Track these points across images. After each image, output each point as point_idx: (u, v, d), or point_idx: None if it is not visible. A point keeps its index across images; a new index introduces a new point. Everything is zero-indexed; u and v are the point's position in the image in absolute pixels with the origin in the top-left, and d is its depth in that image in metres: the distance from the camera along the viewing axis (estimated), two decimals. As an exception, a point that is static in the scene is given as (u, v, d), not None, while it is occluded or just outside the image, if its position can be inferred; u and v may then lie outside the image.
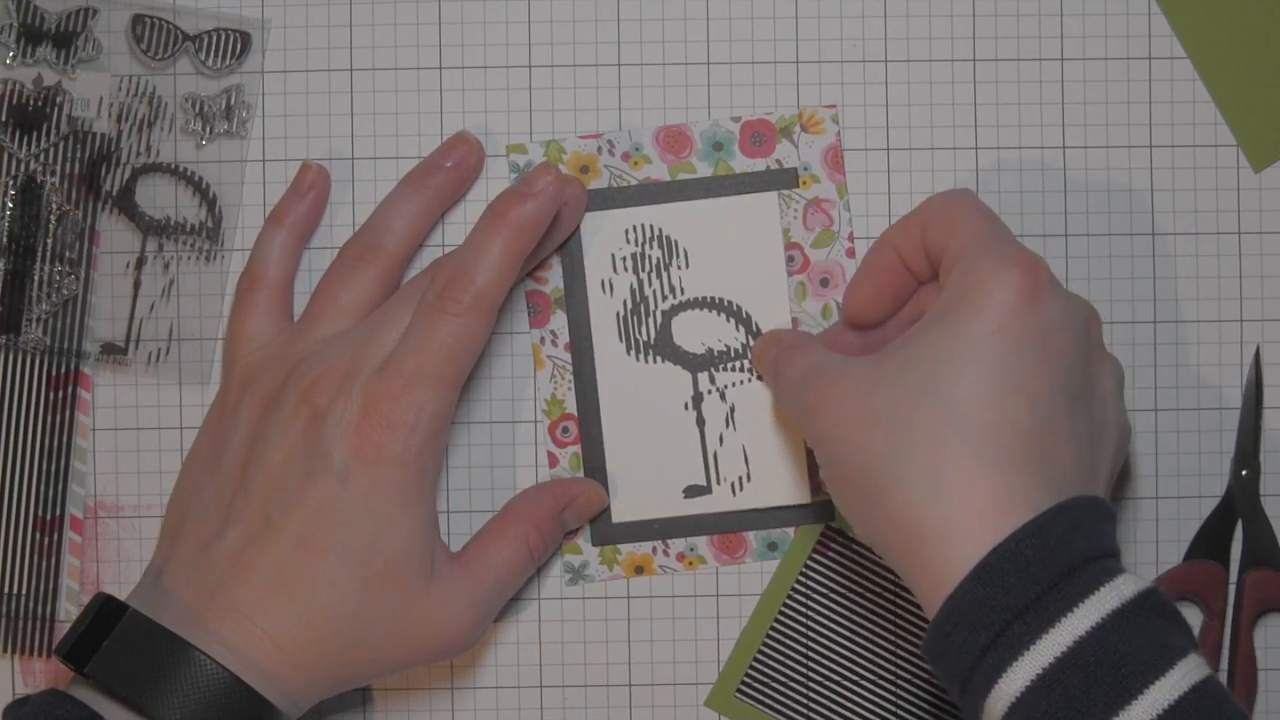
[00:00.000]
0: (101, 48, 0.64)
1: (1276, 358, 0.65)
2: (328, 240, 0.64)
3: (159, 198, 0.65)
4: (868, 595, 0.65)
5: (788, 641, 0.65)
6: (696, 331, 0.64)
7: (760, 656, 0.65)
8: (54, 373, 0.64)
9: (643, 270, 0.64)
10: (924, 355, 0.53)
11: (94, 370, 0.65)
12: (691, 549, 0.65)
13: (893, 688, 0.65)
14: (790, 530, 0.65)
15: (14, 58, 0.64)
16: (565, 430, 0.65)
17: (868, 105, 0.65)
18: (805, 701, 0.65)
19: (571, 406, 0.65)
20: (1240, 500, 0.64)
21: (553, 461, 0.65)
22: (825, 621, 0.65)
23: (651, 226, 0.64)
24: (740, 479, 0.64)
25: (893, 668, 0.65)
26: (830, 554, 0.65)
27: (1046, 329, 0.53)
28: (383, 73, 0.65)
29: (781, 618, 0.65)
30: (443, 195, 0.63)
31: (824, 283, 0.65)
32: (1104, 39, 0.65)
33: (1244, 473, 0.64)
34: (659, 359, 0.64)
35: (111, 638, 0.55)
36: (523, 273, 0.63)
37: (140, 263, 0.65)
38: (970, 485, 0.50)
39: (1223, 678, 0.65)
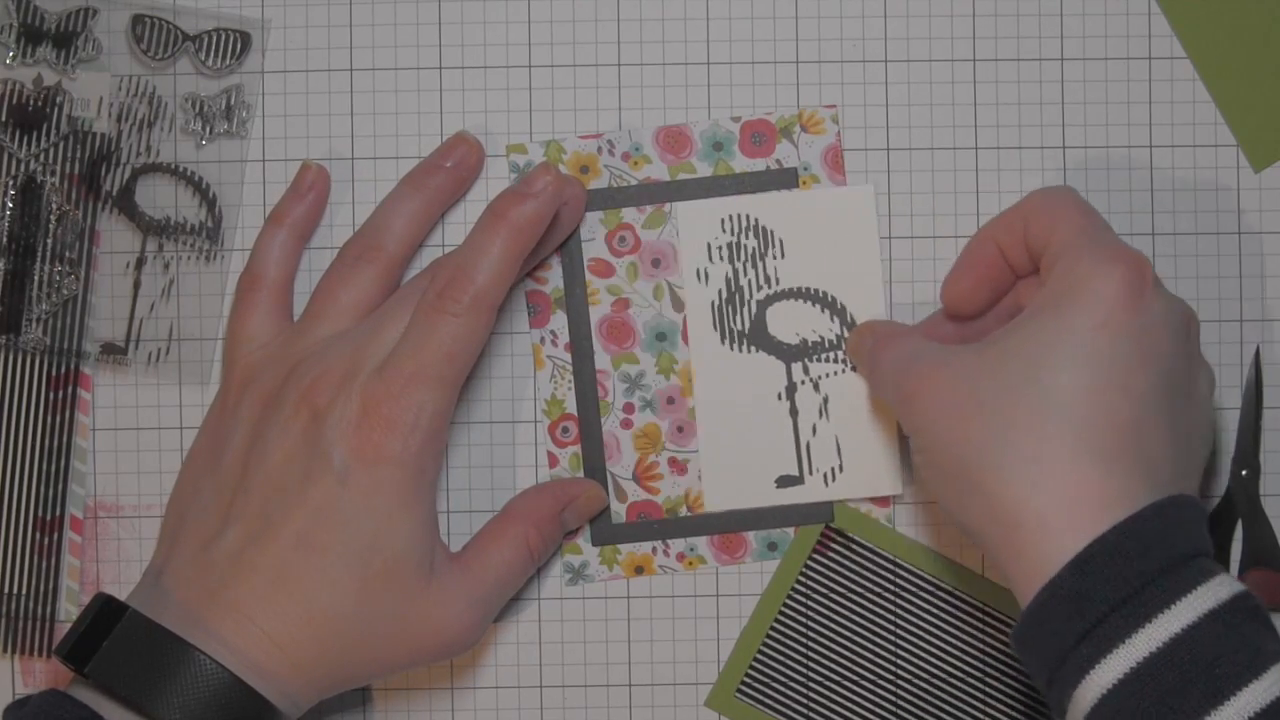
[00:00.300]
0: (101, 48, 0.64)
1: (1276, 358, 0.65)
2: (328, 240, 0.65)
3: (159, 198, 0.65)
4: (868, 595, 0.65)
5: (788, 641, 0.65)
6: (791, 322, 0.64)
7: (760, 656, 0.65)
8: (54, 373, 0.64)
9: (738, 260, 0.64)
10: (1025, 347, 0.53)
11: (94, 370, 0.65)
12: (691, 549, 0.65)
13: (893, 688, 0.65)
14: (790, 530, 0.65)
15: (14, 58, 0.64)
16: (565, 430, 0.65)
17: (868, 105, 0.65)
18: (805, 701, 0.65)
19: (571, 406, 0.65)
20: (1240, 500, 0.64)
21: (553, 461, 0.65)
22: (825, 621, 0.65)
23: (747, 216, 0.64)
24: (833, 469, 0.64)
25: (893, 668, 0.65)
26: (830, 554, 0.65)
27: (1149, 326, 0.53)
28: (383, 73, 0.65)
29: (781, 618, 0.65)
30: (443, 195, 0.63)
31: (824, 283, 0.65)
32: (1104, 39, 0.65)
33: (1244, 473, 0.64)
34: (753, 349, 0.64)
35: (111, 638, 0.55)
36: (522, 272, 0.63)
37: (140, 263, 0.65)
38: (1069, 477, 0.51)
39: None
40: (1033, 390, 0.52)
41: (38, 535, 0.64)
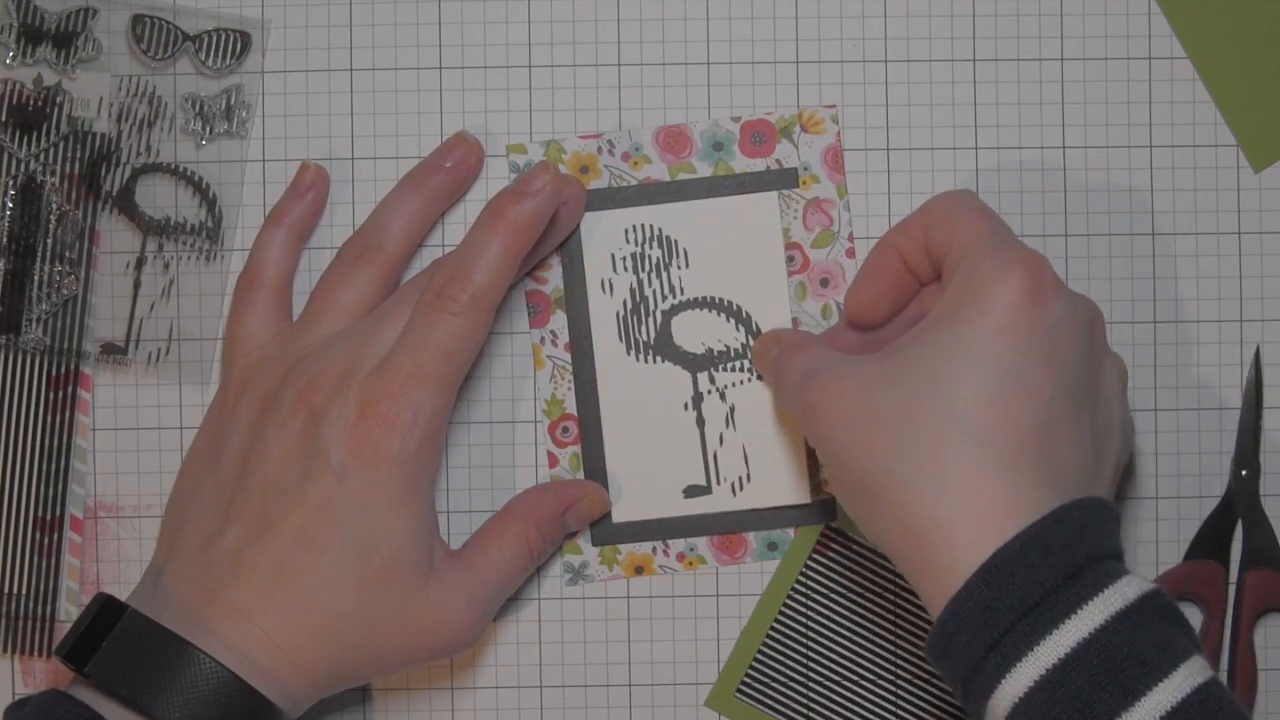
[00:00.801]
0: (101, 48, 0.64)
1: (1276, 358, 0.65)
2: (328, 240, 0.64)
3: (159, 198, 0.65)
4: (868, 595, 0.65)
5: (788, 641, 0.65)
6: (696, 331, 0.64)
7: (760, 656, 0.65)
8: (54, 373, 0.64)
9: (643, 270, 0.64)
10: (927, 355, 0.53)
11: (94, 370, 0.65)
12: (691, 549, 0.65)
13: (893, 688, 0.65)
14: (790, 530, 0.65)
15: (14, 58, 0.64)
16: (565, 430, 0.65)
17: (868, 105, 0.65)
18: (805, 701, 0.65)
19: (571, 406, 0.65)
20: (1240, 500, 0.64)
21: (553, 461, 0.65)
22: (825, 621, 0.65)
23: (651, 226, 0.64)
24: (740, 479, 0.64)
25: (893, 668, 0.65)
26: (830, 554, 0.65)
27: (1050, 329, 0.53)
28: (383, 73, 0.65)
29: (781, 618, 0.65)
30: (442, 195, 0.63)
31: (824, 283, 0.65)
32: (1104, 39, 0.65)
33: (1244, 473, 0.64)
34: (659, 359, 0.64)
35: (111, 638, 0.55)
36: (521, 272, 0.63)
37: (140, 263, 0.65)
38: (973, 486, 0.50)
39: (1223, 677, 0.65)
40: (934, 400, 0.52)
41: (38, 535, 0.64)
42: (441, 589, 0.59)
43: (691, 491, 0.64)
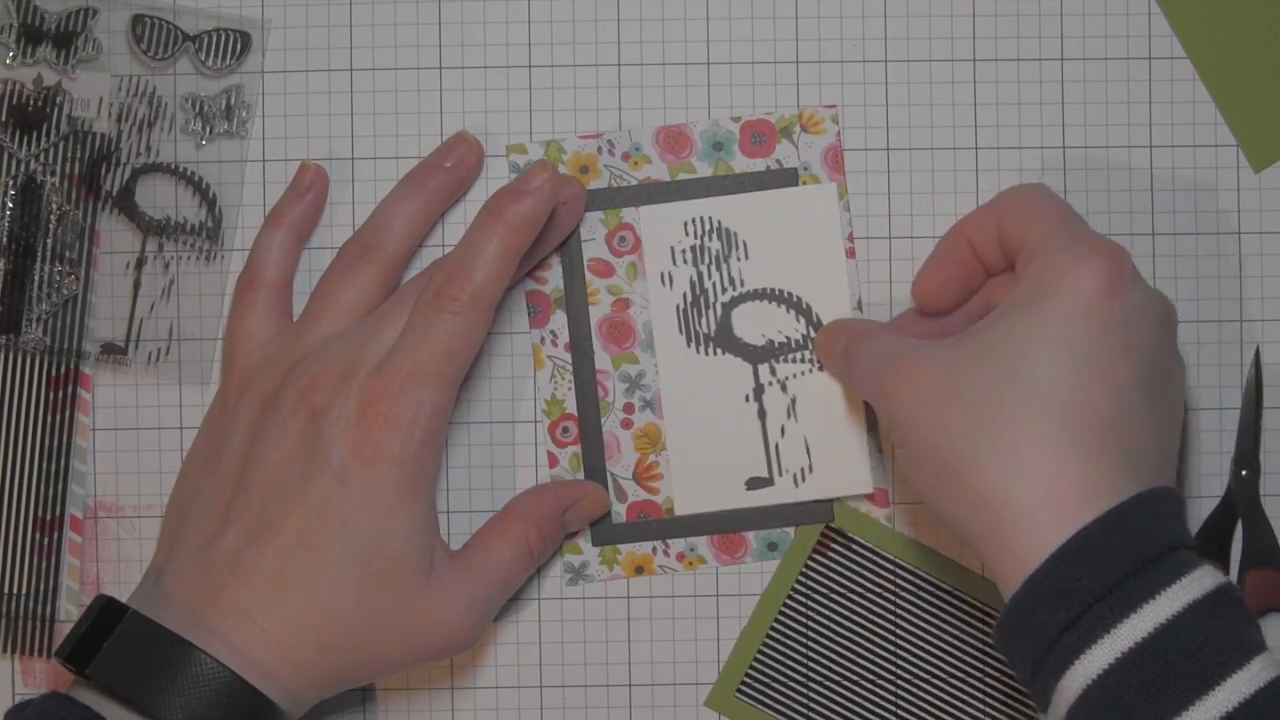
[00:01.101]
0: (101, 48, 0.64)
1: (1276, 358, 0.65)
2: (328, 240, 0.64)
3: (159, 198, 0.65)
4: (868, 595, 0.65)
5: (788, 641, 0.65)
6: (757, 323, 0.64)
7: (760, 656, 0.65)
8: (54, 373, 0.64)
9: (702, 262, 0.64)
10: (1005, 340, 0.53)
11: (94, 370, 0.65)
12: (691, 549, 0.65)
13: (893, 688, 0.65)
14: (790, 530, 0.65)
15: (14, 58, 0.64)
16: (565, 430, 0.65)
17: (868, 105, 0.65)
18: (805, 701, 0.65)
19: (571, 406, 0.65)
20: (1240, 500, 0.64)
21: (553, 461, 0.65)
22: (825, 621, 0.65)
23: (710, 219, 0.64)
24: (802, 470, 0.64)
25: (893, 668, 0.65)
26: (830, 554, 0.65)
27: (1129, 317, 0.53)
28: (383, 73, 0.65)
29: (781, 618, 0.65)
30: (442, 195, 0.63)
31: (824, 283, 0.65)
32: (1104, 39, 0.65)
33: (1244, 473, 0.64)
34: (720, 351, 0.64)
35: (112, 639, 0.55)
36: (521, 271, 0.63)
37: (140, 263, 0.65)
38: (1052, 468, 0.51)
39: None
40: (1014, 383, 0.52)
41: (38, 535, 0.64)
42: (442, 589, 0.59)
43: (754, 484, 0.64)
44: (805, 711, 0.65)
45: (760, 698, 0.65)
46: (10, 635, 0.64)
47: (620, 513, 0.65)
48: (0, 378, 0.64)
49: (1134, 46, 0.65)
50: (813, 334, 0.63)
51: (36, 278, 0.64)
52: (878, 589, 0.65)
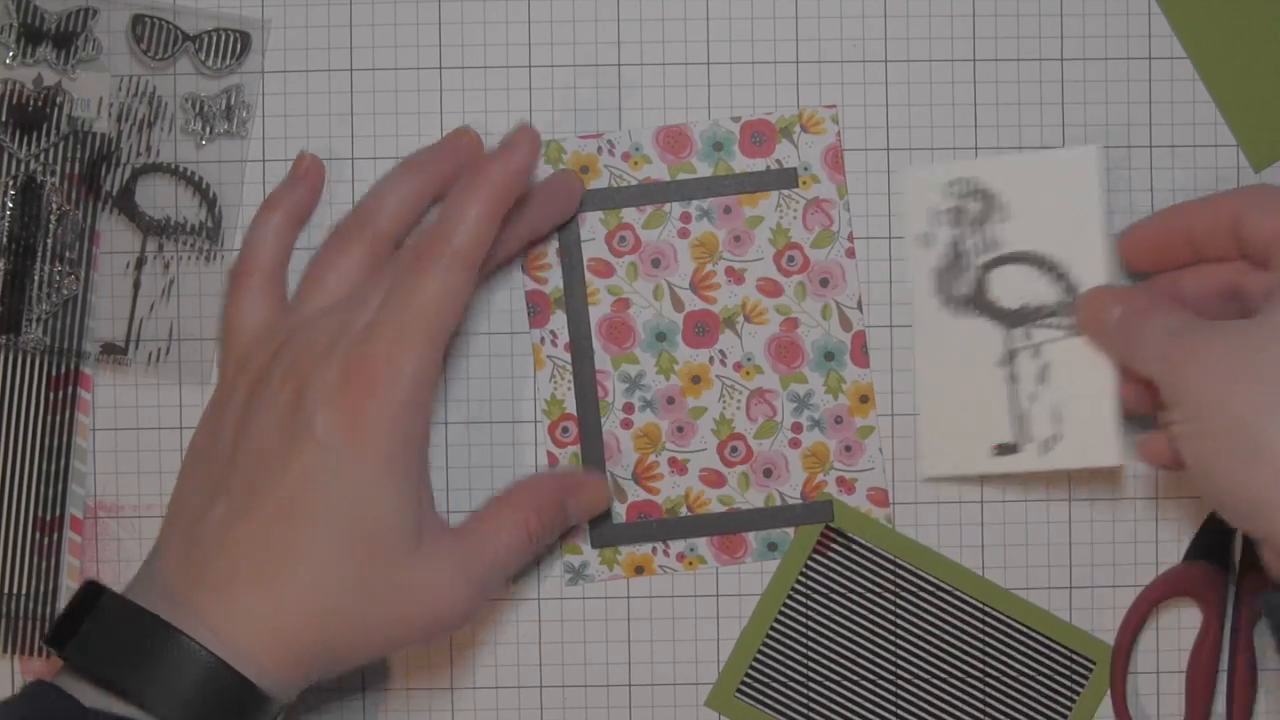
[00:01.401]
0: (101, 48, 0.64)
1: (1276, 358, 0.65)
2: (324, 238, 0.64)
3: (159, 198, 0.65)
4: (868, 595, 0.65)
5: (788, 642, 0.65)
6: (1013, 286, 0.63)
7: (760, 657, 0.65)
8: (54, 373, 0.64)
9: (961, 224, 0.64)
10: None
11: (94, 370, 0.65)
12: (691, 549, 0.65)
13: (893, 688, 0.65)
14: (790, 530, 0.65)
15: (14, 58, 0.64)
16: (565, 430, 0.65)
17: (868, 105, 0.65)
18: (805, 701, 0.65)
19: (571, 406, 0.65)
20: (1240, 500, 0.64)
21: (552, 461, 0.65)
22: (825, 621, 0.65)
23: (971, 180, 0.64)
24: (1051, 438, 0.63)
25: (893, 668, 0.65)
26: (830, 554, 0.65)
27: None
28: (383, 73, 0.65)
29: (781, 618, 0.65)
30: (439, 179, 0.63)
31: (824, 283, 0.65)
32: (1104, 39, 0.65)
33: (1244, 473, 0.64)
34: (975, 313, 0.64)
35: (89, 620, 0.55)
36: (519, 250, 0.63)
37: (140, 263, 0.65)
38: None
39: (1223, 678, 0.65)
40: None
41: (38, 535, 0.64)
42: (433, 559, 0.58)
43: (1002, 450, 0.64)
44: (805, 712, 0.65)
45: (760, 698, 0.65)
46: (10, 635, 0.64)
47: (620, 513, 0.65)
48: (0, 378, 0.64)
49: (1134, 46, 0.65)
50: (1069, 299, 0.62)
51: (36, 278, 0.64)
52: (878, 589, 0.65)
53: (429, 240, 0.57)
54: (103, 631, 0.55)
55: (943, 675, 0.65)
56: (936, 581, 0.65)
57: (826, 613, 0.65)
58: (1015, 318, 0.63)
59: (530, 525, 0.61)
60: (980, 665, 0.65)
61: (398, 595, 0.57)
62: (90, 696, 0.54)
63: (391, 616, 0.57)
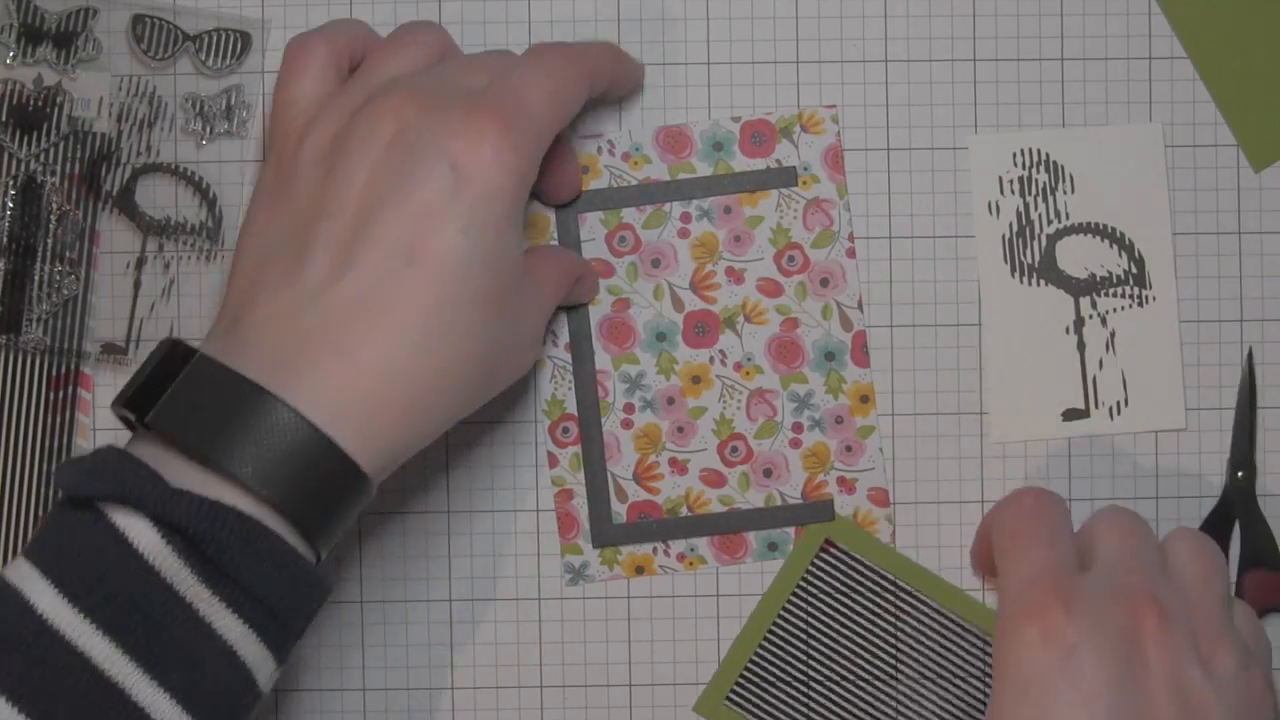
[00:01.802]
0: (101, 48, 0.64)
1: (1276, 358, 0.65)
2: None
3: (159, 198, 0.65)
4: (865, 604, 0.65)
5: (782, 650, 0.65)
6: (1080, 256, 0.64)
7: (753, 664, 0.65)
8: (54, 373, 0.65)
9: (1029, 193, 0.64)
10: None
11: (94, 370, 0.65)
12: (691, 549, 0.65)
13: (892, 700, 0.65)
14: (790, 530, 0.65)
15: (14, 58, 0.64)
16: (565, 430, 0.65)
17: (868, 105, 0.65)
18: (798, 711, 0.65)
19: (571, 406, 0.65)
20: (1236, 502, 0.64)
21: (553, 461, 0.65)
22: (821, 630, 0.65)
23: (1038, 150, 0.64)
24: (1119, 403, 0.65)
25: (890, 679, 0.65)
26: (828, 562, 0.65)
27: None
28: (383, 73, 0.64)
29: (776, 627, 0.65)
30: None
31: (824, 283, 0.65)
32: (1104, 39, 0.65)
33: (1239, 474, 0.64)
34: (1042, 282, 0.64)
35: (178, 383, 0.49)
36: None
37: (140, 263, 0.65)
38: None
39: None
40: None
41: (38, 535, 0.65)
42: (525, 317, 0.55)
43: (1070, 415, 0.65)
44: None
45: (750, 705, 0.65)
46: (11, 635, 0.65)
47: (620, 513, 0.65)
48: (0, 378, 0.64)
49: (1134, 46, 0.65)
50: (1134, 270, 0.64)
51: (36, 278, 0.64)
52: (875, 602, 0.65)
53: (536, 47, 0.55)
54: (191, 397, 0.49)
55: (939, 693, 0.65)
56: (935, 605, 0.65)
57: (822, 622, 0.65)
58: (1083, 287, 0.64)
59: (562, 274, 0.59)
60: (980, 688, 0.65)
61: (494, 352, 0.53)
62: (169, 466, 0.49)
63: (489, 369, 0.53)
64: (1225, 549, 0.64)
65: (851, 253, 0.65)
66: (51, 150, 0.64)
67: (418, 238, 0.50)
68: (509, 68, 0.54)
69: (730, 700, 0.65)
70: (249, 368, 0.50)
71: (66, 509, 0.50)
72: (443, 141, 0.50)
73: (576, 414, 0.65)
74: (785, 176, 0.65)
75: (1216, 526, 0.64)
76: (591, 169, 0.65)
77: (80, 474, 0.49)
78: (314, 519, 0.50)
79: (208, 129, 0.64)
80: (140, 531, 0.48)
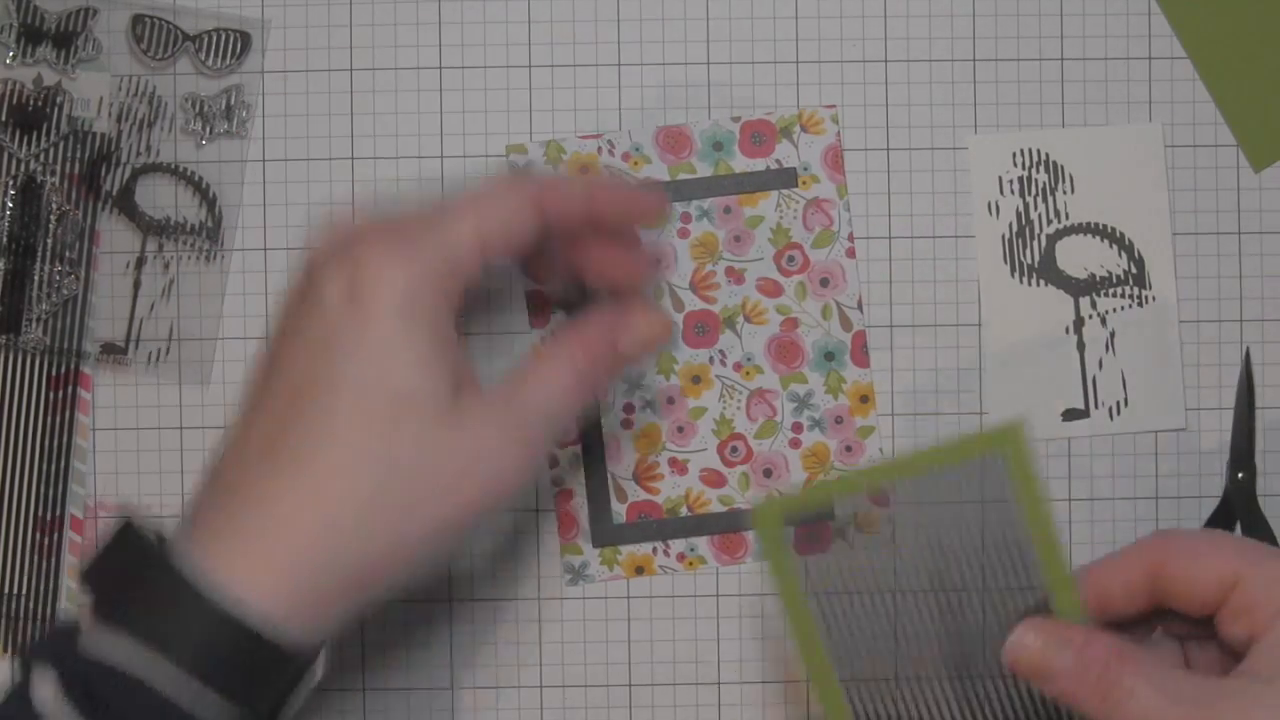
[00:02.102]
0: (101, 48, 0.64)
1: (1276, 358, 0.65)
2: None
3: (159, 198, 0.65)
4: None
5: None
6: (1080, 256, 0.65)
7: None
8: (54, 373, 0.65)
9: (1029, 193, 0.64)
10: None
11: (94, 370, 0.65)
12: (691, 549, 0.65)
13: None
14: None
15: (14, 58, 0.64)
16: (565, 431, 0.65)
17: (868, 105, 0.65)
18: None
19: (571, 406, 0.65)
20: (1237, 503, 0.64)
21: (553, 462, 0.65)
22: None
23: (1038, 151, 0.65)
24: (1119, 403, 0.65)
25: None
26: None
27: None
28: (383, 73, 0.65)
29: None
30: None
31: (824, 283, 0.65)
32: (1104, 39, 0.65)
33: (1239, 475, 0.64)
34: (1042, 282, 0.65)
35: (114, 554, 0.50)
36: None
37: (140, 263, 0.65)
38: None
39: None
40: None
41: (38, 535, 0.65)
42: (471, 419, 0.51)
43: (1070, 415, 0.65)
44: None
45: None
46: (10, 635, 0.65)
47: (620, 513, 0.65)
48: (0, 378, 0.64)
49: (1134, 46, 0.65)
50: (1134, 270, 0.64)
51: (36, 278, 0.64)
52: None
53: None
54: (118, 571, 0.49)
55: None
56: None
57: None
58: (1082, 287, 0.64)
59: (577, 361, 0.54)
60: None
61: (436, 466, 0.50)
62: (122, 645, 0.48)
63: (434, 491, 0.50)
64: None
65: (851, 253, 0.65)
66: (51, 150, 0.64)
67: (305, 377, 0.51)
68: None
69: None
70: (179, 537, 0.50)
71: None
72: (324, 286, 0.51)
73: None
74: (785, 177, 0.65)
75: (1218, 527, 0.64)
76: (591, 169, 0.64)
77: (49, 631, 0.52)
78: (228, 678, 0.49)
79: (207, 129, 0.64)
80: (44, 684, 0.49)
